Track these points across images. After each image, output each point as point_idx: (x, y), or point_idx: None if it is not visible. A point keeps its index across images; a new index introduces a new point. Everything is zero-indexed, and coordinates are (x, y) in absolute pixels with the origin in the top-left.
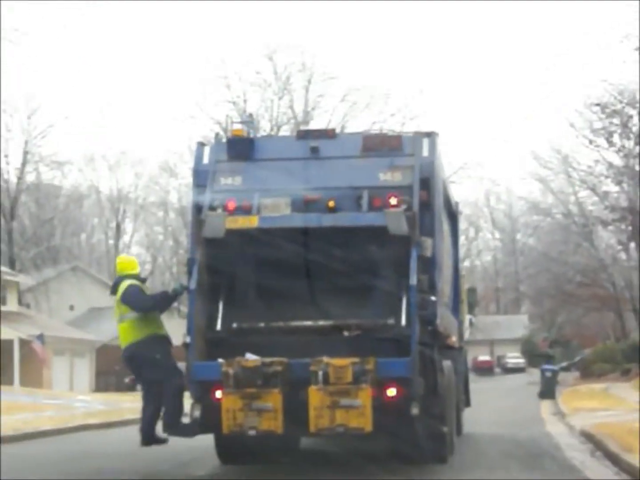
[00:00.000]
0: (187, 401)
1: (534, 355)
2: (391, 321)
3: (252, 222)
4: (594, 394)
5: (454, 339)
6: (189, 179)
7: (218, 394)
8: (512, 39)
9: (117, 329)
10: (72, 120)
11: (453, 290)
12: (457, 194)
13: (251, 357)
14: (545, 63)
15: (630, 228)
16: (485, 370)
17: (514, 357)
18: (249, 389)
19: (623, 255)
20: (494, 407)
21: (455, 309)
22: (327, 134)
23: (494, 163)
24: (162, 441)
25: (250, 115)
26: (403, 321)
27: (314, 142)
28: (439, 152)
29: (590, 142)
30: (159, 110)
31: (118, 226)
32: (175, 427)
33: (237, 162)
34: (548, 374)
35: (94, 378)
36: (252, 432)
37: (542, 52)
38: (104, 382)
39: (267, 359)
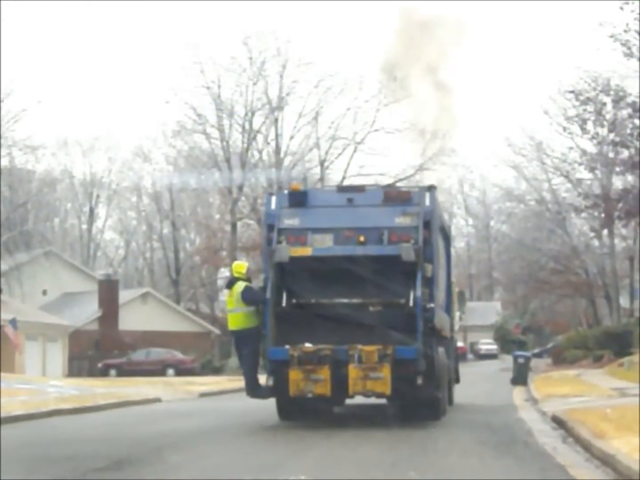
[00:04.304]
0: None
1: (506, 342)
2: (402, 301)
3: (307, 251)
4: (566, 381)
5: (446, 331)
6: (162, 164)
7: (285, 369)
8: (486, 23)
9: (230, 315)
10: (45, 104)
11: (446, 295)
12: (431, 180)
13: (308, 345)
14: (520, 49)
15: (603, 215)
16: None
17: (487, 344)
18: (307, 366)
19: (596, 242)
20: (467, 393)
21: (448, 309)
22: (359, 189)
23: (468, 150)
24: (264, 394)
25: (305, 176)
26: (411, 292)
27: (349, 194)
28: (437, 202)
29: (564, 129)
30: (133, 95)
31: (91, 211)
32: (255, 392)
33: (295, 208)
34: (520, 360)
35: (66, 363)
36: (309, 395)
37: (517, 38)
38: (77, 367)
39: (320, 346)
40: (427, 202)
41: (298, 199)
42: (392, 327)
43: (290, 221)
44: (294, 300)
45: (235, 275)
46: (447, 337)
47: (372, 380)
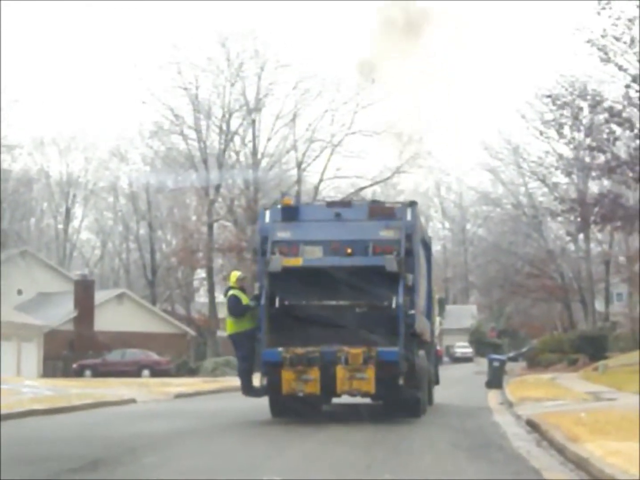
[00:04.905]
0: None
1: (482, 345)
2: (386, 303)
3: (298, 262)
4: (541, 384)
5: (426, 336)
6: (139, 164)
7: (278, 370)
8: (463, 25)
9: (227, 321)
10: (22, 103)
11: (427, 301)
12: (407, 184)
13: (300, 349)
14: (497, 53)
15: (579, 219)
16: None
17: (462, 347)
18: (299, 367)
19: (572, 247)
20: (442, 395)
21: (428, 314)
22: (346, 204)
23: (445, 153)
24: (258, 394)
25: (298, 192)
26: (393, 299)
27: (337, 209)
28: (418, 216)
29: (541, 133)
30: (110, 95)
31: (67, 211)
32: (249, 391)
33: (288, 222)
34: (495, 364)
35: (41, 363)
36: (300, 394)
37: (494, 41)
38: (52, 367)
39: (310, 349)
40: (409, 217)
41: (290, 213)
42: (376, 328)
43: (283, 234)
44: (286, 303)
45: (230, 284)
46: (427, 341)
47: (358, 380)
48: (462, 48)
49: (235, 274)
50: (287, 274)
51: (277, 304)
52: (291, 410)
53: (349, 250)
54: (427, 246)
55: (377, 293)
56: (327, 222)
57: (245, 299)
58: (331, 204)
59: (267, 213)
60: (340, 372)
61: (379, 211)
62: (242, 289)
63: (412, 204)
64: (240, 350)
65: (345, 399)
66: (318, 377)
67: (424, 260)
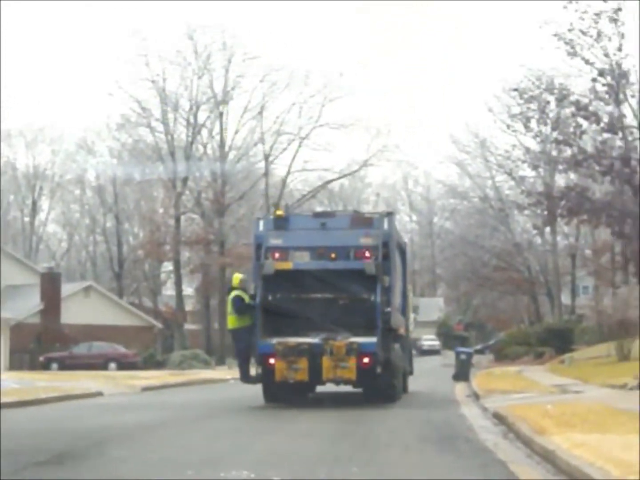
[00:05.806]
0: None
1: (449, 338)
2: (365, 296)
3: (288, 265)
4: (508, 377)
5: (402, 330)
6: (106, 156)
7: (272, 360)
8: (430, 19)
9: (228, 317)
10: None
11: (402, 299)
12: (375, 177)
13: (290, 340)
14: (465, 46)
15: (545, 213)
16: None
17: (429, 340)
18: (290, 357)
19: (538, 240)
20: (410, 388)
21: (404, 311)
22: (331, 215)
23: (413, 146)
24: (254, 381)
25: (287, 205)
26: (372, 298)
27: (323, 219)
28: (394, 225)
29: (508, 127)
30: (77, 87)
31: (34, 203)
32: (246, 379)
33: (279, 230)
34: (463, 357)
35: (8, 356)
36: (291, 381)
37: (462, 35)
38: (18, 360)
39: (300, 340)
40: (386, 225)
41: (281, 223)
42: (357, 318)
43: (275, 241)
44: (278, 300)
45: (232, 285)
46: (402, 335)
47: (341, 368)
48: (429, 41)
49: (237, 277)
50: (279, 276)
51: (270, 301)
52: (282, 396)
53: (333, 256)
54: (402, 250)
55: (357, 290)
56: (314, 230)
57: (247, 298)
58: (317, 215)
59: (261, 222)
60: (326, 362)
61: (359, 221)
62: (244, 290)
63: (389, 214)
64: (239, 343)
65: (328, 387)
66: (307, 366)
67: (399, 263)
